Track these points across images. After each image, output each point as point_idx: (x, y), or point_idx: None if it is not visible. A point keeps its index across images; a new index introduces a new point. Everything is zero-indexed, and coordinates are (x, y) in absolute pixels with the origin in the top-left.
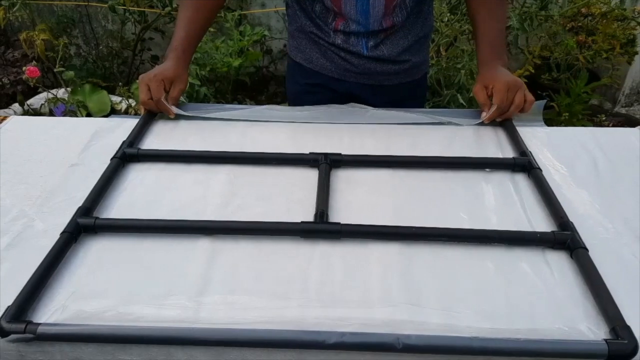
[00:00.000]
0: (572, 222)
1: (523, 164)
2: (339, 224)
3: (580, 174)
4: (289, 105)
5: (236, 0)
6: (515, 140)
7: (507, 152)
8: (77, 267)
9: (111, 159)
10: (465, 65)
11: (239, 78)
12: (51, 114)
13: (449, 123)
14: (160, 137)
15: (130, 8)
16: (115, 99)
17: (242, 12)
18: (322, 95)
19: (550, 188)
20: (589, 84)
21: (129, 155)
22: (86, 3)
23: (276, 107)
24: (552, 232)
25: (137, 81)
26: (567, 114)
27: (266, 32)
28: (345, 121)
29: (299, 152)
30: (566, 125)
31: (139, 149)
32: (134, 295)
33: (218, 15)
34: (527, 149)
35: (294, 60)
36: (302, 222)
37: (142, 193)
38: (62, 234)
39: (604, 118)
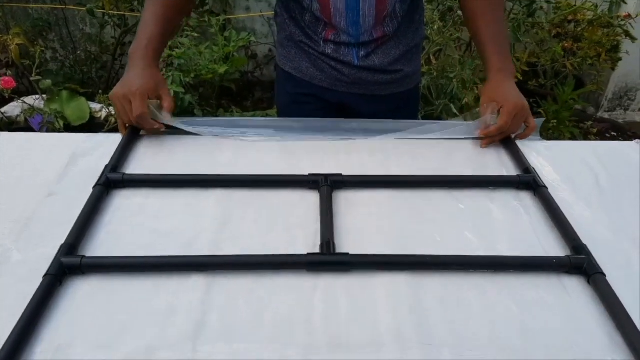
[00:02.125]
0: (586, 246)
1: (528, 181)
2: (347, 254)
3: (584, 190)
4: (279, 116)
5: (220, 4)
6: (517, 156)
7: (509, 168)
8: (62, 314)
9: (94, 187)
10: (457, 75)
11: (224, 84)
12: (27, 124)
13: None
14: (145, 159)
15: (110, 12)
16: (95, 106)
17: (227, 17)
18: (313, 105)
19: (559, 208)
20: (575, 90)
21: (113, 181)
22: (63, 6)
23: (267, 119)
24: (568, 256)
25: (110, 97)
26: (555, 120)
27: (252, 38)
28: (340, 136)
29: (297, 174)
30: (554, 132)
31: (123, 174)
32: (123, 345)
33: (202, 20)
34: (530, 165)
35: (283, 69)
36: (309, 254)
37: (129, 224)
38: (45, 276)
39: (591, 124)
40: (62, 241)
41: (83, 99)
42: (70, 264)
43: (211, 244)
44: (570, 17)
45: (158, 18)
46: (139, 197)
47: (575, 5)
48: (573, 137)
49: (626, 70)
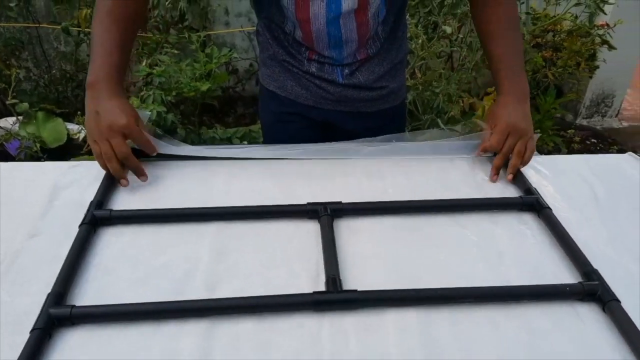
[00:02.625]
0: (597, 271)
1: (531, 203)
2: (355, 291)
3: (584, 208)
4: (263, 134)
5: (200, 20)
6: (518, 176)
7: (509, 188)
8: None
9: (80, 226)
10: (443, 89)
11: (206, 102)
12: (3, 148)
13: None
14: (132, 191)
15: (85, 29)
16: (72, 127)
17: (208, 33)
18: (298, 124)
19: (566, 231)
20: (555, 99)
21: (100, 218)
22: (37, 25)
23: (256, 148)
24: (580, 283)
25: (88, 135)
26: (538, 130)
27: (235, 55)
28: (333, 157)
29: (295, 203)
30: (538, 141)
31: (111, 210)
32: None
33: (181, 36)
34: (532, 185)
35: (267, 88)
36: (315, 293)
37: (119, 264)
38: (32, 331)
39: (573, 133)
40: (50, 282)
41: (60, 120)
42: (59, 315)
43: (208, 281)
44: (549, 27)
45: (116, 43)
46: (128, 234)
47: (555, 16)
48: (556, 146)
49: (603, 78)
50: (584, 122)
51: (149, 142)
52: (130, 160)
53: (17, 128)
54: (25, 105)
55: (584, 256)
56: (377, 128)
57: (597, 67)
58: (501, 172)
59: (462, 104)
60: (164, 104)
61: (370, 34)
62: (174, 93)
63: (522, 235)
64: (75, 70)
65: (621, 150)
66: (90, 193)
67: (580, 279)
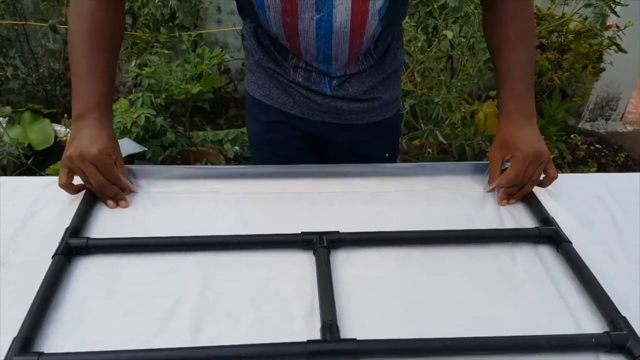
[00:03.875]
0: (626, 319)
1: (549, 235)
2: (354, 340)
3: (606, 238)
4: (250, 144)
5: (191, 18)
6: (534, 203)
7: (524, 217)
8: None
9: (53, 257)
10: (443, 98)
11: (198, 104)
12: None
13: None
14: (112, 218)
15: None
16: (60, 129)
17: (199, 32)
18: (286, 134)
19: (588, 269)
20: (560, 103)
21: (75, 247)
22: (23, 22)
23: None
24: (607, 333)
25: (63, 162)
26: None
27: (227, 56)
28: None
29: (287, 232)
30: None
31: (87, 238)
32: None
33: (172, 35)
34: (549, 214)
35: (252, 96)
36: (309, 342)
37: (96, 300)
38: None
39: (579, 140)
40: (17, 322)
41: (47, 121)
42: None
43: (192, 319)
44: (556, 28)
45: (102, 70)
46: (104, 266)
47: (562, 16)
48: (560, 154)
49: (608, 80)
50: (587, 126)
51: (119, 181)
52: (108, 189)
53: (1, 130)
54: (8, 109)
55: (609, 300)
56: (369, 141)
57: (603, 69)
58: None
59: (463, 111)
60: (154, 107)
61: (362, 51)
62: (163, 95)
63: (539, 273)
64: (64, 69)
65: (628, 157)
66: (69, 214)
67: (606, 328)
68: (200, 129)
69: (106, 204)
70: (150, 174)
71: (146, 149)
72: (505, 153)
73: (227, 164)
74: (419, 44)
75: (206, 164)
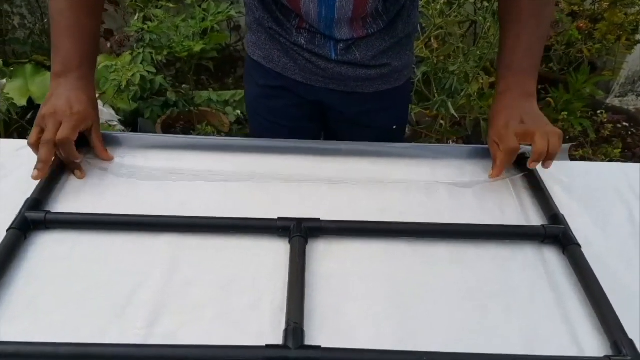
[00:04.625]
0: (632, 342)
1: (556, 235)
2: (319, 348)
3: (624, 240)
4: (247, 111)
5: None
6: (541, 195)
7: (528, 210)
8: None
9: (7, 230)
10: (459, 67)
11: (202, 63)
12: None
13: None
14: (79, 191)
15: None
16: None
17: None
18: (286, 101)
19: (597, 282)
20: (588, 76)
21: (33, 221)
22: None
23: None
24: (608, 358)
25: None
26: (565, 112)
27: (233, 13)
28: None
29: (263, 217)
30: (564, 124)
31: (47, 212)
32: None
33: None
34: (559, 211)
35: (251, 57)
36: (268, 347)
37: (48, 285)
38: None
39: (605, 117)
40: None
41: (48, 75)
42: None
43: (151, 307)
44: None
45: (86, 29)
46: (65, 243)
47: None
48: (584, 131)
49: None
50: (616, 102)
51: (100, 147)
52: (67, 147)
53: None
54: None
55: (615, 317)
56: (376, 112)
57: (639, 42)
58: (521, 192)
59: (481, 81)
60: (154, 64)
61: (368, 11)
62: (165, 53)
63: (540, 278)
64: None
65: None
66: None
67: (609, 351)
68: (206, 89)
69: (73, 173)
70: (127, 142)
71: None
72: (496, 140)
73: (229, 127)
74: (438, 7)
75: (207, 126)
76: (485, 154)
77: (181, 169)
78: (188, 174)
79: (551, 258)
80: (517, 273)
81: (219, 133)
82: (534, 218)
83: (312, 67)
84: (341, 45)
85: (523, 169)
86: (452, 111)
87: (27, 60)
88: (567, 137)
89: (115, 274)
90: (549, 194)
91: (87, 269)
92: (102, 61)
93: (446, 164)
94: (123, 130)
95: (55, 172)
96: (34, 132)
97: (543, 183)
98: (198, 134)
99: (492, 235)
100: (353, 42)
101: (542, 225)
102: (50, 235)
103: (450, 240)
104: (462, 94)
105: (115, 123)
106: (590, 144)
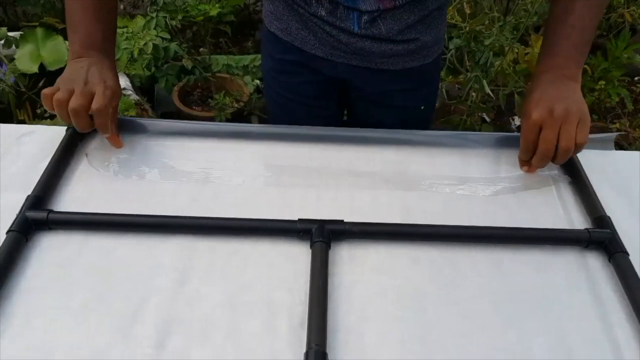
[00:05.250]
0: None
1: (601, 240)
2: None
3: None
4: (263, 82)
5: None
6: (586, 193)
7: (571, 210)
8: None
9: (7, 232)
10: (494, 40)
11: (219, 27)
12: None
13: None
14: (83, 187)
15: None
16: None
17: None
18: (303, 77)
19: None
20: (628, 42)
21: (34, 221)
22: None
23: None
24: None
25: (59, 81)
26: (603, 82)
27: None
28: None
29: (282, 219)
30: (601, 94)
31: (49, 210)
32: None
33: None
34: (605, 213)
35: (268, 28)
36: None
37: (49, 295)
38: None
39: None
40: None
41: (60, 39)
42: None
43: (160, 324)
44: None
45: (100, 10)
46: (68, 245)
47: None
48: (621, 102)
49: None
50: None
51: (115, 132)
52: (103, 115)
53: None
54: (3, 30)
55: None
56: (403, 91)
57: None
58: (562, 192)
59: (516, 51)
60: (167, 30)
61: None
62: (180, 17)
63: (582, 289)
64: None
65: None
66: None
67: None
68: (225, 53)
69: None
70: (136, 128)
71: None
72: (529, 119)
73: (249, 96)
74: None
75: (225, 96)
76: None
77: (193, 165)
78: (199, 172)
79: (595, 266)
80: (557, 282)
81: (238, 102)
82: (577, 220)
83: (334, 41)
84: (365, 17)
85: (565, 166)
86: (487, 89)
87: (37, 23)
88: (603, 108)
89: (122, 284)
90: (594, 192)
91: (92, 277)
92: None
93: (478, 154)
94: (138, 100)
95: (58, 162)
96: (57, 95)
97: (588, 179)
98: (216, 104)
99: (531, 240)
100: (378, 15)
101: (586, 229)
102: (53, 236)
103: (483, 244)
104: (496, 68)
105: (130, 92)
106: (628, 115)
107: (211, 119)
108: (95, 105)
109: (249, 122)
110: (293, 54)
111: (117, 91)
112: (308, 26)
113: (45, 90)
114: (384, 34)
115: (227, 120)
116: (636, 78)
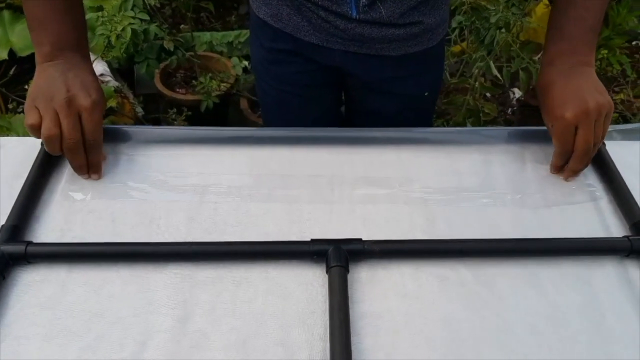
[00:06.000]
0: None
1: None
2: None
3: None
4: (253, 70)
5: None
6: (622, 196)
7: (607, 216)
8: None
9: None
10: (500, 18)
11: (200, 4)
12: None
13: None
14: (65, 212)
15: None
16: None
17: None
18: (297, 67)
19: None
20: (632, 9)
21: (11, 255)
22: None
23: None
24: None
25: (32, 99)
26: (605, 51)
27: None
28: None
29: (293, 240)
30: (602, 63)
31: (28, 242)
32: None
33: None
34: None
35: (256, 14)
36: None
37: (30, 346)
38: None
39: None
40: None
41: None
42: None
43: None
44: None
45: (71, 6)
46: (51, 282)
47: None
48: (623, 71)
49: None
50: None
51: (100, 147)
52: (98, 148)
53: None
54: None
55: None
56: (405, 78)
57: None
58: (595, 195)
59: (520, 26)
60: (146, 11)
61: None
62: None
63: (624, 302)
64: None
65: None
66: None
67: None
68: (208, 29)
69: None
70: (122, 137)
71: None
72: (550, 120)
73: (235, 77)
74: None
75: (211, 79)
76: (546, 137)
77: (186, 178)
78: (194, 186)
79: (637, 277)
80: (595, 295)
81: (224, 83)
82: (614, 227)
83: (329, 26)
84: (364, 0)
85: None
86: (494, 71)
87: (3, 5)
88: (605, 78)
89: (114, 329)
90: (630, 194)
91: (79, 320)
92: (86, 4)
93: (501, 150)
94: (118, 86)
95: (33, 187)
96: (28, 117)
97: (623, 180)
98: (202, 88)
99: (568, 252)
100: None
101: (627, 237)
102: (34, 271)
103: (515, 259)
104: (501, 45)
105: (109, 78)
106: (630, 84)
107: (197, 102)
108: (89, 135)
109: (238, 104)
110: (284, 41)
111: (103, 101)
112: (301, 11)
113: (30, 121)
114: (384, 17)
115: (215, 104)
116: (634, 43)
